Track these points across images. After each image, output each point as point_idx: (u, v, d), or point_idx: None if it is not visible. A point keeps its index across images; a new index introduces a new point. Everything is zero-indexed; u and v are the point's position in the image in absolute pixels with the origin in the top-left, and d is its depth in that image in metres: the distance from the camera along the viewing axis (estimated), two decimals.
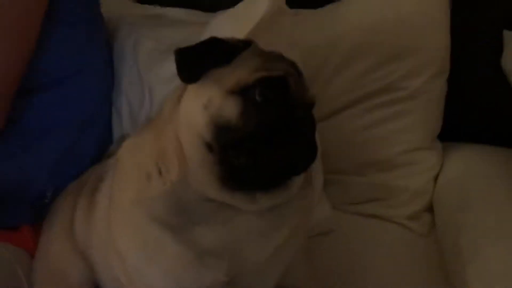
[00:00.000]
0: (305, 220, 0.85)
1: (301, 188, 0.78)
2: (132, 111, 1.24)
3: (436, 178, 1.26)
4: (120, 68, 1.27)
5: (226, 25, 1.06)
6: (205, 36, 1.09)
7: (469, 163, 1.24)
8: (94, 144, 1.20)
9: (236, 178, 0.70)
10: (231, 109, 0.68)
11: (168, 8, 1.43)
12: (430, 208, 1.24)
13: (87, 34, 1.17)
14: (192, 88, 0.73)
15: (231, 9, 1.07)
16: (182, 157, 0.72)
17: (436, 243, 1.16)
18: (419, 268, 1.11)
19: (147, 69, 1.22)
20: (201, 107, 0.70)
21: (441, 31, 1.21)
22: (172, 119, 0.74)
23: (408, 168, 1.24)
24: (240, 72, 0.70)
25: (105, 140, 1.24)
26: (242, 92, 0.69)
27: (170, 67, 1.17)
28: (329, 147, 1.22)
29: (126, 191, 0.79)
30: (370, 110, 1.24)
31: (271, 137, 0.68)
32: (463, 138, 1.35)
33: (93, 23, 1.20)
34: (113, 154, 1.08)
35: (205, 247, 0.73)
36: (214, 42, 0.74)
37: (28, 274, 1.00)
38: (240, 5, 1.05)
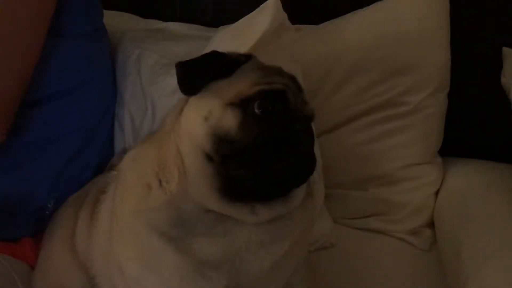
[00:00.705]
0: (307, 232, 0.85)
1: (302, 200, 0.78)
2: (134, 124, 1.24)
3: (436, 193, 1.26)
4: (122, 82, 1.28)
5: (228, 40, 1.07)
6: (208, 50, 1.11)
7: (470, 178, 1.24)
8: (96, 157, 1.20)
9: (236, 189, 0.71)
10: (230, 121, 0.69)
11: (170, 22, 1.44)
12: (431, 223, 1.25)
13: (90, 48, 1.18)
14: (193, 100, 0.74)
15: (234, 24, 1.08)
16: (182, 167, 0.72)
17: (437, 258, 1.16)
18: (420, 283, 1.10)
19: (149, 82, 1.22)
20: (202, 118, 0.71)
21: (441, 48, 1.22)
22: (173, 130, 0.75)
23: (409, 183, 1.25)
24: (240, 84, 0.71)
25: (106, 152, 1.24)
26: (241, 104, 0.69)
27: (172, 80, 1.19)
28: (330, 162, 1.23)
29: (127, 202, 0.79)
30: (371, 125, 1.25)
31: (270, 149, 0.68)
32: (463, 153, 1.36)
33: (96, 37, 1.21)
34: (114, 166, 1.08)
35: (204, 259, 0.73)
36: (215, 55, 0.75)
37: (28, 286, 1.00)
38: (242, 20, 1.06)
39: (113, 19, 1.33)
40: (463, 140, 1.36)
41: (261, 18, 1.01)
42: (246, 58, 0.76)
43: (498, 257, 0.97)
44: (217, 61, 0.73)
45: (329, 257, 1.16)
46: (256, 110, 0.69)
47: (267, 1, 1.02)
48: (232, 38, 1.06)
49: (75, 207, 1.01)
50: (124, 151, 1.19)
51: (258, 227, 0.74)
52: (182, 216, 0.73)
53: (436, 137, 1.27)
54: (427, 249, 1.21)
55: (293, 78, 0.77)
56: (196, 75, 0.72)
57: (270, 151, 0.68)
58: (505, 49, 1.26)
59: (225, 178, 0.70)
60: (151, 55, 1.26)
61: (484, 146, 1.35)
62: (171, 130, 0.76)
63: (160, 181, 0.75)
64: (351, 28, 1.25)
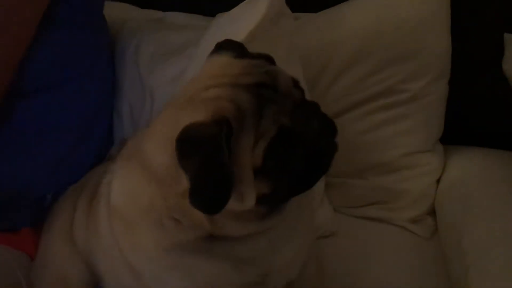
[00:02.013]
0: (311, 215, 0.87)
1: None
2: (133, 114, 1.24)
3: (438, 181, 1.25)
4: (121, 71, 1.28)
5: (225, 27, 1.06)
6: (206, 38, 1.11)
7: (472, 166, 1.23)
8: (95, 147, 1.19)
9: (273, 212, 0.73)
10: (264, 189, 0.67)
11: (169, 12, 1.44)
12: (432, 211, 1.24)
13: (90, 38, 1.17)
14: None
15: (231, 11, 1.07)
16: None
17: (439, 246, 1.15)
18: (421, 271, 1.10)
19: (148, 72, 1.22)
20: (237, 202, 0.67)
21: (441, 34, 1.21)
22: None
23: (410, 171, 1.23)
24: (246, 160, 0.66)
25: (106, 143, 1.24)
26: (261, 172, 0.66)
27: (171, 69, 1.19)
28: None
29: (144, 239, 0.76)
30: (371, 113, 1.24)
31: (305, 171, 0.69)
32: (465, 141, 1.34)
33: (96, 27, 1.20)
34: (113, 156, 1.08)
35: (241, 257, 0.74)
36: (212, 160, 0.63)
37: (28, 276, 1.00)
38: (239, 6, 1.05)
39: (111, 10, 1.32)
40: (465, 128, 1.35)
41: (259, 4, 1.00)
42: (227, 125, 0.64)
43: (500, 246, 0.97)
44: (221, 168, 0.63)
45: (329, 245, 1.15)
46: (276, 166, 0.67)
47: None
48: (229, 25, 1.05)
49: (74, 197, 1.02)
50: (124, 140, 1.18)
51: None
52: (215, 237, 0.73)
53: (437, 125, 1.26)
54: (428, 237, 1.20)
55: (260, 85, 0.69)
56: (217, 199, 0.64)
57: (306, 173, 0.69)
58: (506, 36, 1.24)
59: (263, 210, 0.71)
60: (150, 45, 1.26)
61: (486, 134, 1.34)
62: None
63: (177, 220, 0.72)
64: (350, 16, 1.23)
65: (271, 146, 0.65)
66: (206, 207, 0.64)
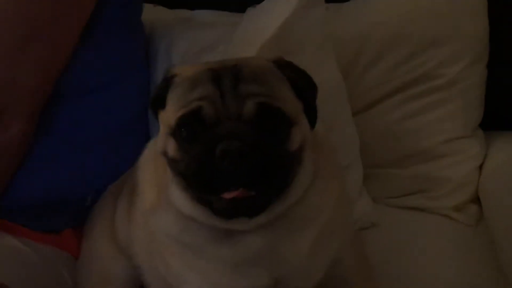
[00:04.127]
0: (340, 213, 0.82)
1: (309, 186, 0.75)
2: None
3: (480, 167, 1.21)
4: (154, 73, 1.28)
5: (257, 21, 1.06)
6: (238, 33, 1.10)
7: None
8: (134, 149, 1.19)
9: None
10: (170, 149, 0.72)
11: (197, 11, 1.44)
12: (476, 198, 1.20)
13: (128, 42, 1.18)
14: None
15: (261, 4, 1.07)
16: None
17: (485, 234, 1.12)
18: (467, 259, 1.06)
19: None
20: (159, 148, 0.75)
21: (478, 17, 1.18)
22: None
23: (450, 158, 1.20)
24: (169, 113, 0.73)
25: (143, 144, 1.25)
26: (173, 133, 0.71)
27: None
28: (367, 140, 1.21)
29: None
30: (408, 100, 1.21)
31: (203, 178, 0.66)
32: (505, 126, 1.30)
33: (134, 32, 1.22)
34: None
35: (238, 259, 0.74)
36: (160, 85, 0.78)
37: (73, 276, 1.02)
38: None
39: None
40: (506, 113, 1.30)
41: None
42: (169, 80, 0.75)
43: None
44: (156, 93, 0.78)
45: (371, 236, 1.12)
46: (184, 136, 0.69)
47: None
48: (260, 18, 1.05)
49: (113, 196, 1.03)
50: None
51: (272, 224, 0.73)
52: (190, 227, 0.75)
53: (476, 109, 1.23)
54: (473, 225, 1.17)
55: (222, 69, 0.70)
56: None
57: (204, 180, 0.67)
58: None
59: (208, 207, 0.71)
60: (181, 43, 1.26)
61: None
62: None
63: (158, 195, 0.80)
64: (383, 2, 1.21)
65: (184, 118, 0.69)
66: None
